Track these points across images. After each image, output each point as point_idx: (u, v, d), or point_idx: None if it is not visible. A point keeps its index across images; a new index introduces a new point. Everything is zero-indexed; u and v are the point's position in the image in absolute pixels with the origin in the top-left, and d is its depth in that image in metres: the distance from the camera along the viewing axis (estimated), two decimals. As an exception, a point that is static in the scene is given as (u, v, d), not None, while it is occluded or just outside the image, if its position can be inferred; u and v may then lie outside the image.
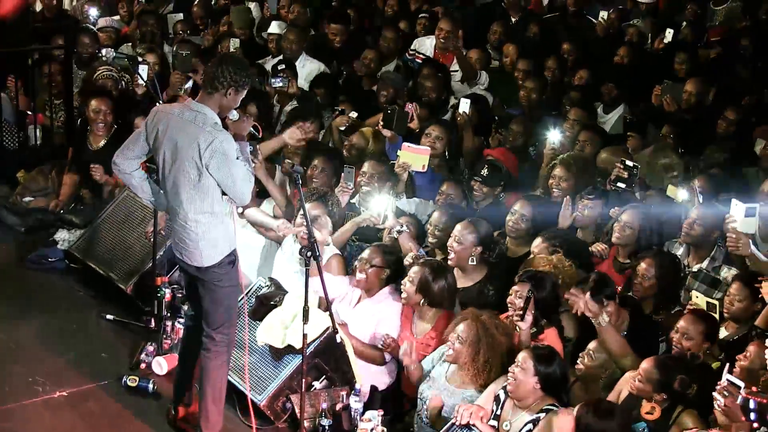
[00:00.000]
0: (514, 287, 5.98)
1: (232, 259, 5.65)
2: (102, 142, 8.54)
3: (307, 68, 9.80)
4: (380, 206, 6.93)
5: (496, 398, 5.53)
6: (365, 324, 6.38)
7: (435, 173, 7.86)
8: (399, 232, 6.79)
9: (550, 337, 5.90)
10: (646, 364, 5.36)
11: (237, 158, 5.43)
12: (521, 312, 5.79)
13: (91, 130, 8.59)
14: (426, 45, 10.02)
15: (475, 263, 6.59)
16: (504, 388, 5.50)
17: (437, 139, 7.92)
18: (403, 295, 6.30)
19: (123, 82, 9.21)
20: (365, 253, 6.53)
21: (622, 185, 7.14)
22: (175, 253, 5.82)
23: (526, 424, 5.35)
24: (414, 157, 7.51)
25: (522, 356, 5.42)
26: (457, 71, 9.62)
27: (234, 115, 5.68)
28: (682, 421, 5.25)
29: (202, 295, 5.71)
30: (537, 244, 6.54)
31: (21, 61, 9.76)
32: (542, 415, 5.32)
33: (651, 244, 6.66)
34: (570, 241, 6.61)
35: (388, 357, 6.36)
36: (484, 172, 7.49)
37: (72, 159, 8.70)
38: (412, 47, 10.09)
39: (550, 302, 5.96)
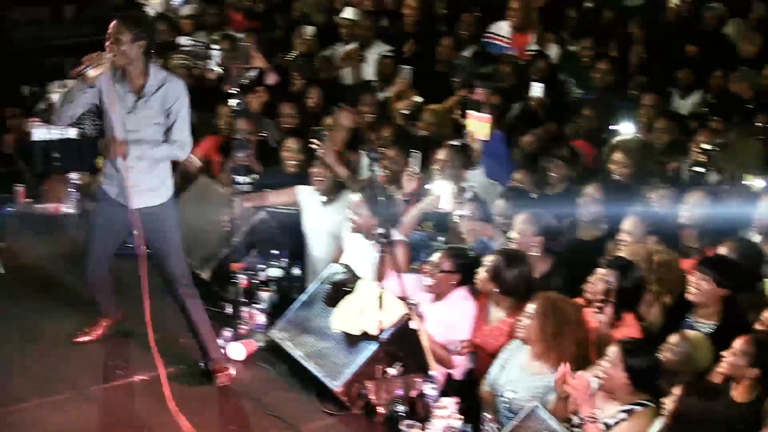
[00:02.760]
0: (599, 271, 5.93)
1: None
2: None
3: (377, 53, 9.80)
4: (441, 191, 6.90)
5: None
6: (438, 327, 6.32)
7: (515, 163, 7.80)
8: (460, 216, 6.72)
9: (628, 322, 5.84)
10: (740, 340, 5.25)
11: None
12: (600, 303, 5.74)
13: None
14: (503, 28, 9.95)
15: (537, 254, 6.53)
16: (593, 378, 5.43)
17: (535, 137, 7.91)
18: (477, 281, 6.28)
19: (197, 70, 9.30)
20: (435, 257, 6.45)
21: (700, 169, 7.04)
22: None
23: (618, 413, 5.30)
24: (478, 125, 7.49)
25: (612, 350, 5.36)
26: (534, 51, 9.54)
27: None
28: None
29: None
30: (628, 224, 6.47)
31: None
32: (637, 408, 5.27)
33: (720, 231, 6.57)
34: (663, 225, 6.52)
35: (459, 362, 6.33)
36: (564, 152, 7.43)
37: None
38: (488, 30, 10.03)
39: (633, 293, 5.89)
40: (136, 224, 6.00)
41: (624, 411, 5.30)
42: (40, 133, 9.27)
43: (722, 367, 5.25)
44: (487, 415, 5.74)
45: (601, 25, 10.18)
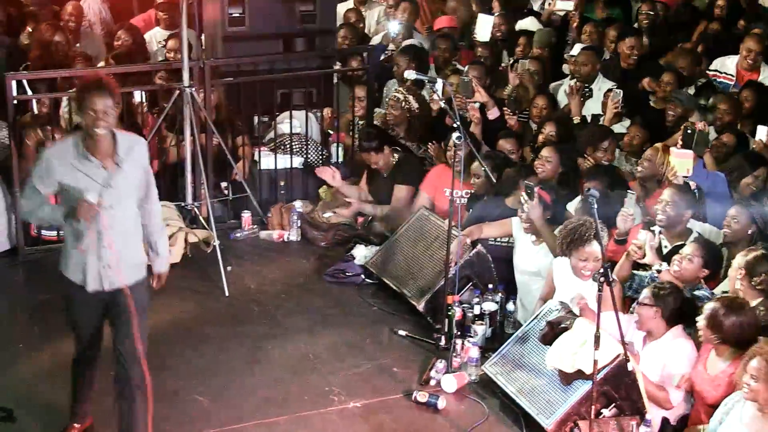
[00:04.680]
0: None
1: None
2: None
3: (602, 89, 9.68)
4: (641, 239, 6.68)
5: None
6: (652, 365, 6.16)
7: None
8: (658, 271, 6.47)
9: None
10: None
11: None
12: None
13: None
14: (727, 65, 9.66)
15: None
16: None
17: (755, 178, 7.59)
18: (699, 332, 6.08)
19: (405, 103, 9.42)
20: (646, 294, 6.26)
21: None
22: None
23: None
24: (680, 161, 7.27)
25: None
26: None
27: None
28: None
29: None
30: None
31: (327, 81, 10.24)
32: None
33: None
34: None
35: (676, 401, 6.15)
36: None
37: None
38: (712, 67, 9.76)
39: None
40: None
41: None
42: (267, 161, 9.65)
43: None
44: None
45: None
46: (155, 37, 11.07)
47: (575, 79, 9.64)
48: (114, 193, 5.52)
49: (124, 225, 5.62)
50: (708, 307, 6.00)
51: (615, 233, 7.10)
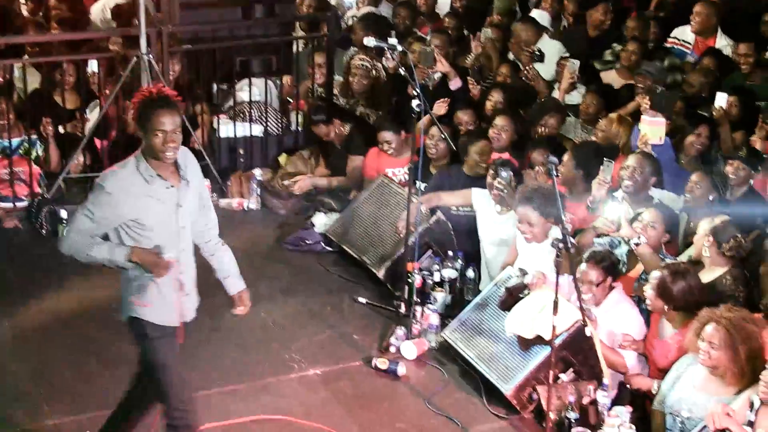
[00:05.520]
0: None
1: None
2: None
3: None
4: (614, 213, 6.63)
5: (750, 404, 5.31)
6: (601, 331, 6.21)
7: (685, 171, 7.56)
8: (636, 244, 6.45)
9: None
10: None
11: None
12: None
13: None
14: (686, 33, 9.69)
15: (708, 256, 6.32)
16: (758, 394, 5.26)
17: (705, 139, 7.63)
18: (648, 301, 6.14)
19: (374, 72, 9.42)
20: (583, 273, 6.26)
21: None
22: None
23: None
24: (652, 129, 7.29)
25: None
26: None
27: None
28: None
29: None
30: None
31: (287, 49, 10.19)
32: None
33: None
34: None
35: (631, 363, 6.20)
36: (742, 152, 7.14)
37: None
38: (672, 35, 9.79)
39: None
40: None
41: None
42: (226, 129, 9.60)
43: None
44: None
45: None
46: (108, 4, 10.92)
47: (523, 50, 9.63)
48: (184, 213, 4.98)
49: (191, 245, 5.15)
50: (654, 276, 6.05)
51: (588, 201, 7.14)
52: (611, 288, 6.32)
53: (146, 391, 5.17)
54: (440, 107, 8.70)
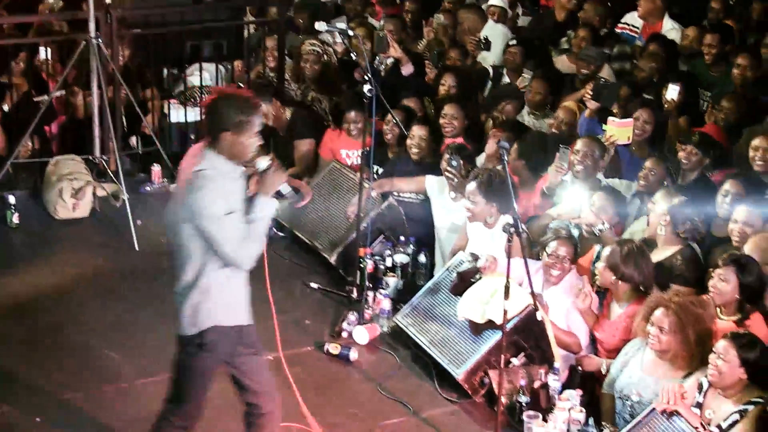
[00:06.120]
0: (717, 271, 5.78)
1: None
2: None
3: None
4: (575, 199, 6.70)
5: (699, 386, 5.38)
6: (557, 310, 6.27)
7: (636, 158, 7.63)
8: (600, 230, 6.50)
9: (756, 324, 5.68)
10: None
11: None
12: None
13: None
14: (636, 19, 9.76)
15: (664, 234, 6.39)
16: (707, 376, 5.33)
17: (646, 124, 7.69)
18: (596, 276, 6.19)
19: (325, 56, 9.39)
20: (554, 250, 6.33)
21: None
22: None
23: (731, 414, 5.16)
24: (619, 130, 7.34)
25: (723, 345, 5.22)
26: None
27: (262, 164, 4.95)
28: None
29: None
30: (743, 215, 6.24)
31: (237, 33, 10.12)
32: (750, 407, 5.13)
33: None
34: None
35: (584, 344, 6.26)
36: (695, 138, 7.21)
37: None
38: (623, 20, 9.86)
39: (757, 288, 5.73)
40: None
41: (738, 412, 5.16)
42: (177, 114, 9.53)
43: None
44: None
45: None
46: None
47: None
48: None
49: None
50: (606, 250, 6.11)
51: (543, 186, 7.17)
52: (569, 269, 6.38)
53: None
54: None
